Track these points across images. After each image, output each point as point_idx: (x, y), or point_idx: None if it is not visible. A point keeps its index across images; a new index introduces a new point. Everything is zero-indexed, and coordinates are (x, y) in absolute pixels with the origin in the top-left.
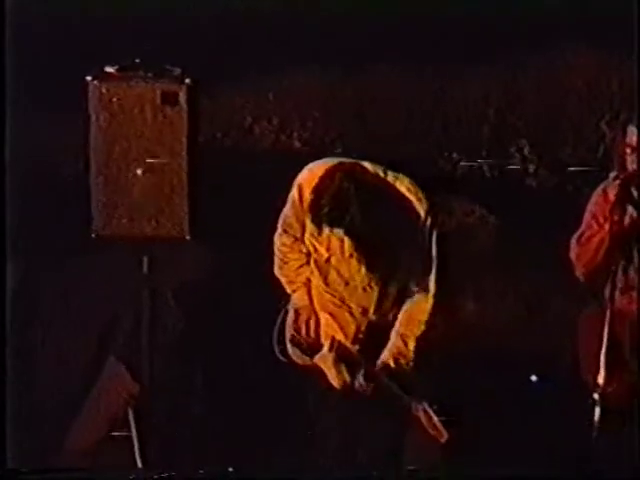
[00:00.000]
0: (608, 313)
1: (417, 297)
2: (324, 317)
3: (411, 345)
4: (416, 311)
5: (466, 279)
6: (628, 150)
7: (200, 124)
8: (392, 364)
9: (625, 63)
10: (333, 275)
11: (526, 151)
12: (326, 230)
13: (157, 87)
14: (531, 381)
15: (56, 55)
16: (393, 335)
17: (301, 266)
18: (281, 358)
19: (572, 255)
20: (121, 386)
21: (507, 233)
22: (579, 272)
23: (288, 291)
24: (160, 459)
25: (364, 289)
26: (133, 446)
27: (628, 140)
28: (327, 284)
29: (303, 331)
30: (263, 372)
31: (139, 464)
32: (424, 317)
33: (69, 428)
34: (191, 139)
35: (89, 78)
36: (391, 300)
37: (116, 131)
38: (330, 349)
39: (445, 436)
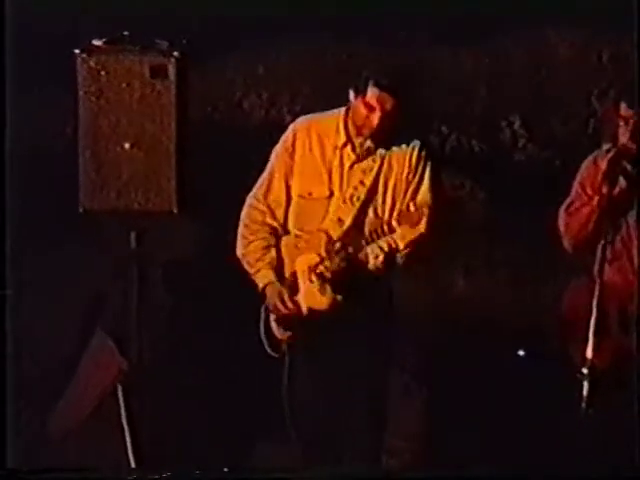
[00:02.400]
0: (597, 285)
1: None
2: (299, 261)
3: (385, 247)
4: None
5: (455, 253)
6: (621, 123)
7: (189, 98)
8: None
9: (615, 36)
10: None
11: (516, 126)
12: None
13: (145, 60)
14: (519, 355)
15: (44, 28)
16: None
17: (266, 247)
18: (274, 354)
19: (560, 225)
20: (110, 361)
21: (496, 207)
22: (567, 243)
23: (250, 272)
24: (149, 438)
25: (345, 201)
26: (122, 425)
27: (622, 112)
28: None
29: (280, 306)
30: (252, 346)
31: (129, 446)
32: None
33: (56, 405)
34: (180, 113)
35: (77, 51)
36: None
37: (104, 105)
38: (310, 280)
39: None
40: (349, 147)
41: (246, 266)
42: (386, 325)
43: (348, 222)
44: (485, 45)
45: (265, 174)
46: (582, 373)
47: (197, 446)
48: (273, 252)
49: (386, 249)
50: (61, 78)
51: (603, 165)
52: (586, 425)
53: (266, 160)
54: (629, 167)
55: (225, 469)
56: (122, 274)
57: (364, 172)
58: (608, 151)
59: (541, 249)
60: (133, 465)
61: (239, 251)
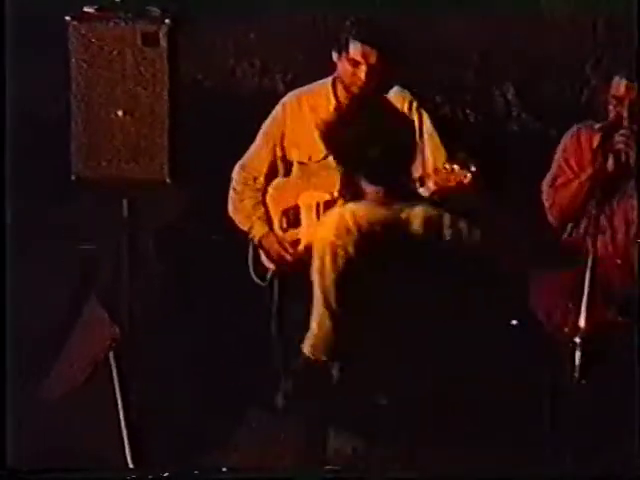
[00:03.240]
0: (590, 258)
1: None
2: (303, 196)
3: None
4: None
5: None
6: (613, 101)
7: (181, 66)
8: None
9: (611, 5)
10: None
11: (509, 95)
12: None
13: (137, 28)
14: (511, 325)
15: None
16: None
17: (257, 203)
18: (260, 282)
19: (545, 200)
20: (102, 329)
21: (489, 178)
22: (552, 217)
23: (244, 229)
24: (141, 406)
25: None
26: (114, 393)
27: (613, 92)
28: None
29: (273, 252)
30: (244, 314)
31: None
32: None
33: (48, 372)
34: (172, 81)
35: (68, 18)
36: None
37: (96, 72)
38: (317, 216)
39: (468, 176)
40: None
41: (239, 224)
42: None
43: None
44: (478, 14)
45: (253, 147)
46: (575, 343)
47: (189, 415)
48: (263, 208)
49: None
50: (52, 45)
51: (595, 142)
52: (578, 393)
53: (259, 128)
54: (620, 145)
55: (224, 469)
56: (114, 242)
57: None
58: (600, 129)
59: (536, 220)
60: (125, 439)
61: (230, 211)
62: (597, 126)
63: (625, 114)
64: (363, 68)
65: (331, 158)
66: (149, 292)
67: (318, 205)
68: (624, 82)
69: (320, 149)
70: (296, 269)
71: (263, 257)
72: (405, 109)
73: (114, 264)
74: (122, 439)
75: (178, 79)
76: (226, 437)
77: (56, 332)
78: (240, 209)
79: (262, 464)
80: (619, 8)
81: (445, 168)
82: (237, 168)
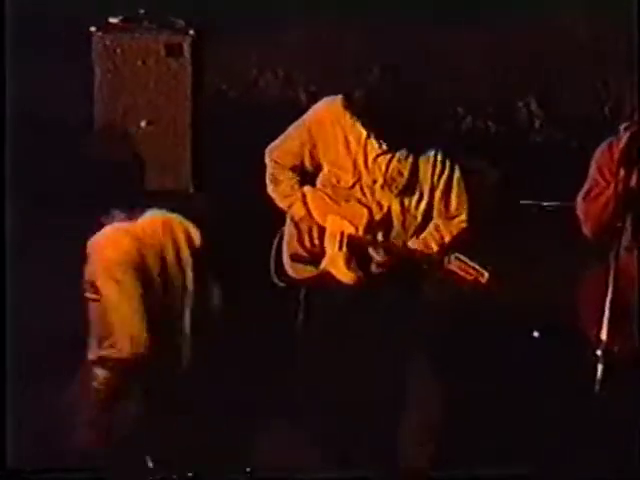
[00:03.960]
0: (612, 270)
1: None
2: (330, 218)
3: (447, 238)
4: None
5: (470, 235)
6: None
7: (204, 76)
8: (421, 247)
9: (632, 17)
10: (352, 192)
11: (532, 107)
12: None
13: (161, 39)
14: (533, 337)
15: (61, 6)
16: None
17: (295, 184)
18: (278, 283)
19: (579, 212)
20: None
21: (512, 189)
22: (587, 230)
23: (284, 207)
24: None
25: (383, 188)
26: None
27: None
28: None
29: (307, 242)
30: (265, 323)
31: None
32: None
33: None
34: (195, 91)
35: (93, 29)
36: (409, 212)
37: (120, 83)
38: (340, 246)
39: (486, 275)
40: (373, 140)
41: (278, 202)
42: (403, 310)
43: (387, 206)
44: (502, 26)
45: (284, 137)
46: (596, 355)
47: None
48: (300, 189)
49: (434, 247)
50: (78, 56)
51: (620, 147)
52: (600, 408)
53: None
54: None
55: (247, 469)
56: None
57: (399, 161)
58: (626, 130)
59: (557, 230)
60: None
61: (269, 190)
62: (623, 126)
63: None
64: None
65: (360, 186)
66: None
67: (342, 235)
68: None
69: (349, 174)
70: (312, 283)
71: (286, 260)
72: (438, 155)
73: None
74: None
75: (201, 90)
76: (241, 445)
77: (69, 341)
78: (279, 190)
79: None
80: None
81: (465, 262)
82: (267, 154)
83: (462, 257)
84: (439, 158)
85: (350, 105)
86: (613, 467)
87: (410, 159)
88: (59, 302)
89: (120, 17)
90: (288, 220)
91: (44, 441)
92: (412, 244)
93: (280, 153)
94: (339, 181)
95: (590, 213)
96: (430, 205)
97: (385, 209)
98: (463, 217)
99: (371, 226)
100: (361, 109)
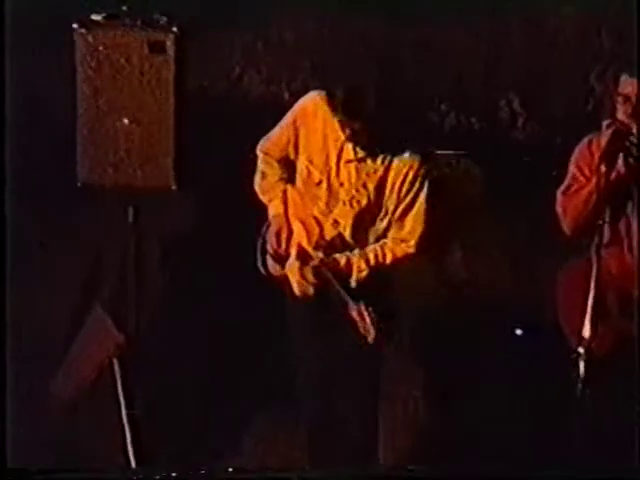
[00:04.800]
0: (594, 266)
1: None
2: (296, 225)
3: (388, 258)
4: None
5: (452, 232)
6: (620, 100)
7: (187, 73)
8: (342, 264)
9: (615, 12)
10: (317, 189)
11: (515, 104)
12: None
13: (144, 36)
14: (516, 334)
15: (42, 3)
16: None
17: (280, 179)
18: (262, 270)
19: (558, 208)
20: (106, 336)
21: (494, 186)
22: (566, 226)
23: (264, 202)
24: (146, 413)
25: (344, 203)
26: (118, 400)
27: (620, 90)
28: (306, 192)
29: (274, 241)
30: (250, 319)
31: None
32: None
33: (52, 379)
34: (178, 88)
35: (75, 26)
36: (367, 228)
37: (103, 80)
38: (297, 257)
39: (372, 335)
40: (350, 144)
41: (260, 196)
42: (383, 306)
43: (344, 224)
44: (484, 22)
45: (276, 131)
46: (578, 352)
47: (194, 421)
48: (283, 186)
49: (372, 263)
50: (59, 53)
51: (602, 143)
52: (582, 405)
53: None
54: (628, 145)
55: (230, 469)
56: (120, 249)
57: (368, 175)
58: (608, 126)
59: (539, 229)
60: (130, 445)
61: (255, 183)
62: (605, 123)
63: (630, 111)
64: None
65: (325, 186)
66: (155, 299)
67: (299, 246)
68: (631, 80)
69: (318, 171)
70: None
71: (268, 257)
72: (409, 174)
73: (119, 270)
74: (125, 443)
75: (184, 87)
76: (231, 442)
77: (61, 340)
78: (262, 184)
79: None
80: (622, 9)
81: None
82: (258, 147)
83: (364, 310)
84: (409, 177)
85: (332, 102)
86: (602, 466)
87: (379, 173)
88: (59, 301)
89: (103, 14)
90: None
91: (44, 441)
92: (346, 256)
93: (269, 145)
94: (310, 175)
95: (569, 209)
96: (389, 224)
97: (340, 228)
98: (412, 243)
99: (320, 244)
100: (341, 108)
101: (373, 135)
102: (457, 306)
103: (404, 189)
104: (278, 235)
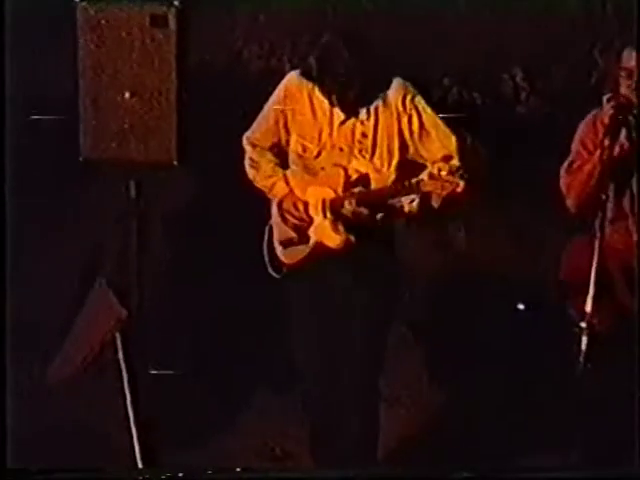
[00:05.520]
0: (597, 242)
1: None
2: (309, 190)
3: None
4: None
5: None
6: (622, 74)
7: (189, 48)
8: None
9: None
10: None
11: (518, 78)
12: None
13: (146, 9)
14: (518, 309)
15: None
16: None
17: (276, 165)
18: (275, 275)
19: (562, 185)
20: (108, 310)
21: (498, 161)
22: (570, 203)
23: (266, 189)
24: (146, 387)
25: (356, 157)
26: (120, 375)
27: (623, 64)
28: (305, 168)
29: (292, 219)
30: (252, 297)
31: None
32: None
33: (55, 354)
34: (180, 63)
35: (77, 0)
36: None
37: (104, 54)
38: (324, 214)
39: (461, 184)
40: (337, 108)
41: (260, 186)
42: (388, 276)
43: (363, 171)
44: None
45: (262, 118)
46: (580, 327)
47: (195, 395)
48: (281, 170)
49: (418, 189)
50: (61, 27)
51: (605, 119)
52: (584, 380)
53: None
54: (631, 119)
55: (238, 469)
56: (122, 224)
57: (362, 123)
58: (609, 100)
59: (543, 204)
60: (132, 425)
61: (250, 176)
62: (606, 97)
63: (633, 85)
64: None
65: (326, 154)
66: (157, 274)
67: (324, 202)
68: (634, 54)
69: (314, 143)
70: (307, 261)
71: (278, 250)
72: (399, 104)
73: (122, 246)
74: (129, 428)
75: (186, 61)
76: (231, 421)
77: (63, 315)
78: (260, 172)
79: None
80: None
81: (438, 175)
82: (245, 140)
83: (434, 175)
84: (399, 107)
85: (309, 75)
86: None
87: (372, 117)
88: (66, 284)
89: None
90: (274, 209)
91: (44, 441)
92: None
93: (257, 135)
94: (305, 150)
95: (573, 185)
96: (404, 159)
97: (359, 172)
98: (454, 161)
99: (349, 184)
100: (318, 77)
101: (358, 90)
102: (460, 282)
103: (411, 113)
104: (296, 209)
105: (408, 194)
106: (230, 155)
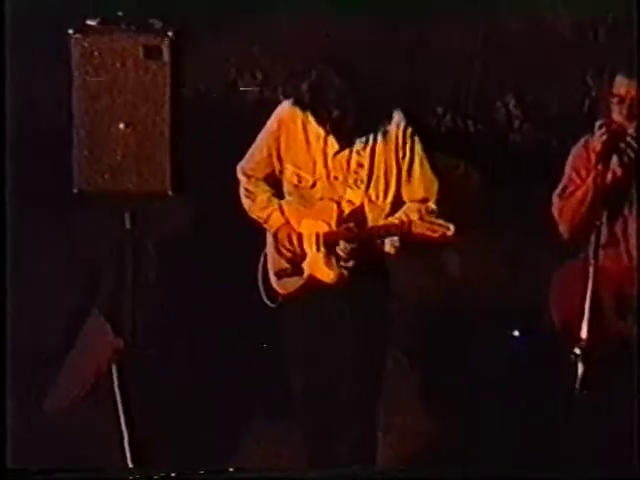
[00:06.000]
0: (592, 268)
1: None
2: (304, 223)
3: (397, 227)
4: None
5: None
6: (614, 100)
7: (183, 78)
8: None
9: (611, 13)
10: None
11: (511, 106)
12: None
13: (140, 41)
14: (513, 336)
15: (38, 8)
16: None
17: (272, 196)
18: (270, 304)
19: (555, 211)
20: (104, 341)
21: (491, 188)
22: (562, 228)
23: (261, 219)
24: (142, 416)
25: (351, 187)
26: (116, 405)
27: (615, 90)
28: (301, 198)
29: (286, 251)
30: (247, 325)
31: (123, 427)
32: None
33: (51, 384)
34: (174, 93)
35: (71, 31)
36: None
37: (98, 85)
38: (317, 248)
39: (452, 227)
40: (331, 137)
41: (256, 217)
42: (383, 304)
43: (358, 203)
44: (480, 24)
45: (256, 149)
46: (575, 354)
47: (192, 426)
48: (277, 200)
49: (399, 228)
50: (55, 58)
51: (597, 145)
52: (580, 406)
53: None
54: (623, 146)
55: (231, 469)
56: (117, 254)
57: (358, 153)
58: (601, 127)
59: (536, 230)
60: (129, 454)
61: (246, 207)
62: (597, 124)
63: (625, 112)
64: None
65: (322, 185)
66: (152, 304)
67: (318, 236)
68: (626, 81)
69: (309, 173)
70: (301, 293)
71: (272, 280)
72: (400, 137)
73: (117, 276)
74: (123, 449)
75: (180, 91)
76: (228, 445)
77: (59, 346)
78: (256, 203)
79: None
80: (620, 11)
81: (428, 218)
82: (239, 171)
83: (425, 217)
84: (399, 141)
85: (303, 106)
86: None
87: (369, 148)
88: (57, 307)
89: (98, 19)
90: (269, 239)
91: (44, 441)
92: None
93: (252, 165)
94: (300, 181)
95: (565, 211)
96: (398, 193)
97: (353, 204)
98: (431, 202)
99: (342, 219)
100: (311, 107)
101: (353, 119)
102: (454, 308)
103: (400, 153)
104: (290, 242)
105: (400, 233)
106: (225, 185)
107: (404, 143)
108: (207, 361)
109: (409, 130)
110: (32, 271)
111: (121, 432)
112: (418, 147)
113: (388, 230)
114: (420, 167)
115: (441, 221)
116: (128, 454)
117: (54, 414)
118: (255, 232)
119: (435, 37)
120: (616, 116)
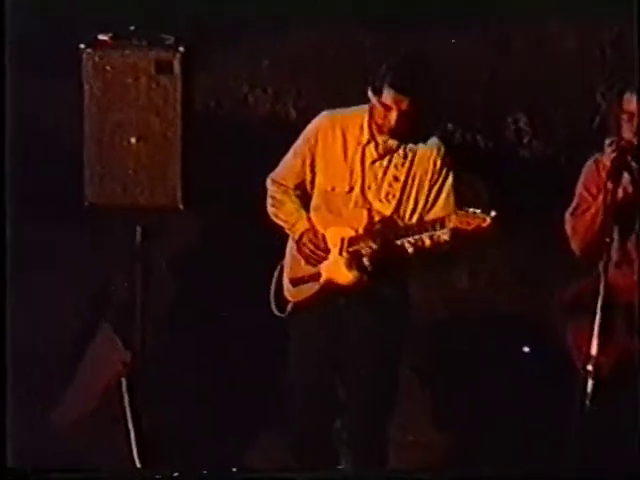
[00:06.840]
0: (602, 285)
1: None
2: (330, 231)
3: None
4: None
5: (459, 251)
6: (624, 117)
7: (194, 93)
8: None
9: (619, 30)
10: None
11: (521, 123)
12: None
13: (151, 55)
14: (523, 352)
15: (50, 23)
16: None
17: (299, 207)
18: (278, 314)
19: (567, 228)
20: (114, 355)
21: (501, 204)
22: (575, 245)
23: (288, 226)
24: (153, 431)
25: (381, 201)
26: (125, 418)
27: (625, 107)
28: (333, 207)
29: (310, 247)
30: (257, 340)
31: (132, 441)
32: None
33: (60, 398)
34: (185, 108)
35: (82, 46)
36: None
37: (110, 100)
38: (340, 251)
39: (488, 219)
40: (372, 145)
41: (281, 222)
42: (397, 319)
43: (388, 214)
44: (489, 42)
45: (284, 163)
46: (586, 370)
47: (201, 439)
48: (304, 212)
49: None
50: (67, 73)
51: (607, 162)
52: (590, 423)
53: (271, 155)
54: (633, 164)
55: (234, 469)
56: (127, 269)
57: (396, 167)
58: (611, 144)
59: (546, 246)
60: (137, 461)
61: (272, 214)
62: (607, 141)
63: (635, 129)
64: (394, 114)
65: (357, 192)
66: (162, 318)
67: (343, 240)
68: (635, 97)
69: (346, 181)
70: (315, 300)
71: (286, 288)
72: (437, 162)
73: (127, 290)
74: (133, 461)
75: (191, 106)
76: (238, 459)
77: (69, 358)
78: (284, 210)
79: None
80: (626, 26)
81: (466, 210)
82: (269, 181)
83: (459, 211)
84: (437, 165)
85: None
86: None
87: (407, 165)
88: (67, 321)
89: (110, 34)
90: (289, 245)
91: (45, 440)
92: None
93: (284, 174)
94: (334, 188)
95: (577, 228)
96: (421, 215)
97: (382, 214)
98: (445, 231)
99: (371, 225)
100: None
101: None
102: (464, 323)
103: (429, 178)
104: (313, 242)
105: (433, 230)
106: (235, 199)
107: (441, 169)
108: (216, 374)
109: (447, 159)
110: (43, 285)
111: (130, 445)
112: (450, 180)
113: (420, 228)
114: (445, 200)
115: (476, 210)
116: (135, 455)
117: (62, 426)
118: (266, 246)
119: (443, 54)
120: (626, 133)
